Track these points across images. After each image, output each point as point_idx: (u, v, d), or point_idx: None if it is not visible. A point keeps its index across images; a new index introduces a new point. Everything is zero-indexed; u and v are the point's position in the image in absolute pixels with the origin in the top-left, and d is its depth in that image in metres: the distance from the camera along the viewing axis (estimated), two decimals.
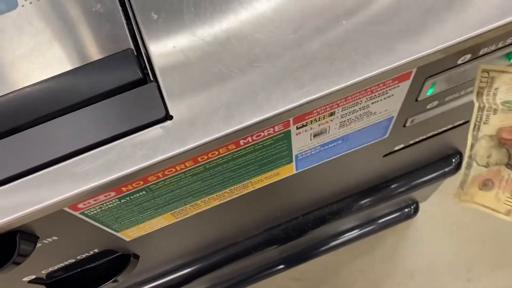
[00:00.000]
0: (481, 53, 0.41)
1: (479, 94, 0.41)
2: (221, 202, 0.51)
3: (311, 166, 0.51)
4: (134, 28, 0.39)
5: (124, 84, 0.37)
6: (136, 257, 0.58)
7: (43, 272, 0.50)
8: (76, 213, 0.40)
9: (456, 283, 1.17)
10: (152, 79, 0.37)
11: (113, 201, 0.40)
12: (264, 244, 0.75)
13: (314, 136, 0.44)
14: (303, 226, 0.75)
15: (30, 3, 0.41)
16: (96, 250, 0.51)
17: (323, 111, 0.40)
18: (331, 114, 0.41)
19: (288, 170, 0.50)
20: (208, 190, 0.46)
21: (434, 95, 0.46)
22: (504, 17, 0.36)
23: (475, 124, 0.42)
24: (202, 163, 0.40)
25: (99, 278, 0.54)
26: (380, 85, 0.40)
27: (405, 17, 0.37)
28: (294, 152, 0.46)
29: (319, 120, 0.41)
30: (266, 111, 0.35)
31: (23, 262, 0.40)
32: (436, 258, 1.20)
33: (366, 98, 0.41)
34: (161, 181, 0.40)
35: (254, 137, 0.39)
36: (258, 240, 0.75)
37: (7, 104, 0.37)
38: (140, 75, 0.37)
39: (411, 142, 0.60)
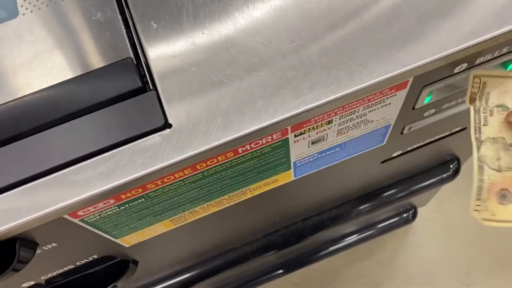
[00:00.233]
0: (477, 62, 0.41)
1: (472, 100, 0.41)
2: (220, 208, 0.51)
3: (309, 173, 0.52)
4: (134, 36, 0.39)
5: (123, 92, 0.37)
6: (135, 263, 0.58)
7: (42, 278, 0.51)
8: (76, 220, 0.40)
9: (455, 287, 1.17)
10: (151, 87, 0.38)
11: (112, 208, 0.40)
12: (263, 250, 0.75)
13: (312, 143, 0.44)
14: (302, 231, 0.75)
15: (31, 11, 0.41)
16: (95, 256, 0.51)
17: (320, 119, 0.40)
18: (329, 122, 0.41)
19: (287, 177, 0.50)
20: (207, 197, 0.46)
21: (431, 103, 0.47)
22: (501, 26, 0.36)
23: (475, 127, 0.42)
24: (200, 170, 0.40)
25: (98, 284, 0.55)
26: (377, 93, 0.40)
27: (402, 26, 0.37)
28: (292, 159, 0.46)
29: (316, 128, 0.42)
30: (265, 119, 0.36)
31: (22, 269, 0.40)
32: (435, 262, 1.20)
33: (364, 107, 0.41)
34: (160, 188, 0.40)
35: (252, 145, 0.39)
36: (257, 245, 0.75)
37: (8, 112, 0.37)
38: (140, 83, 0.37)
39: (409, 149, 0.61)
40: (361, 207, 0.75)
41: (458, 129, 0.60)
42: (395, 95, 0.41)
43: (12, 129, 0.37)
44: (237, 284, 1.00)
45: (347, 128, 0.44)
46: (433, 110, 0.49)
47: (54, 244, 0.43)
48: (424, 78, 0.41)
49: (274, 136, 0.40)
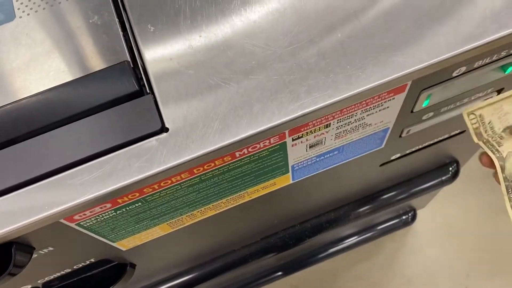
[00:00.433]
0: (476, 65, 0.41)
1: (479, 135, 0.41)
2: (218, 212, 0.51)
3: (307, 176, 0.52)
4: (131, 40, 0.39)
5: (120, 96, 0.37)
6: (133, 266, 0.58)
7: (39, 281, 0.50)
8: (72, 224, 0.40)
9: None
10: (148, 91, 0.37)
11: (109, 212, 0.40)
12: (261, 252, 0.75)
13: (310, 147, 0.44)
14: (300, 234, 0.75)
15: (28, 14, 0.41)
16: (92, 260, 0.51)
17: (318, 123, 0.40)
18: (327, 126, 0.41)
19: (285, 180, 0.50)
20: (204, 200, 0.46)
21: (429, 106, 0.47)
22: (499, 30, 0.36)
23: (492, 151, 0.41)
24: (197, 174, 0.40)
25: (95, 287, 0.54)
26: (375, 97, 0.40)
27: (400, 30, 0.37)
28: (290, 163, 0.46)
29: (314, 132, 0.41)
30: (262, 123, 0.36)
31: (19, 273, 0.40)
32: (435, 264, 1.20)
33: (362, 110, 0.41)
34: (157, 192, 0.40)
35: (250, 149, 0.39)
36: (256, 248, 0.75)
37: (4, 115, 0.37)
38: (137, 87, 0.37)
39: (408, 152, 0.60)
40: (360, 210, 0.75)
41: (456, 132, 0.60)
42: (393, 98, 0.41)
43: (8, 132, 0.37)
44: (235, 287, 1.00)
45: (345, 132, 0.44)
46: (431, 113, 0.49)
47: (50, 248, 0.43)
48: (423, 82, 0.41)
49: (272, 140, 0.39)
